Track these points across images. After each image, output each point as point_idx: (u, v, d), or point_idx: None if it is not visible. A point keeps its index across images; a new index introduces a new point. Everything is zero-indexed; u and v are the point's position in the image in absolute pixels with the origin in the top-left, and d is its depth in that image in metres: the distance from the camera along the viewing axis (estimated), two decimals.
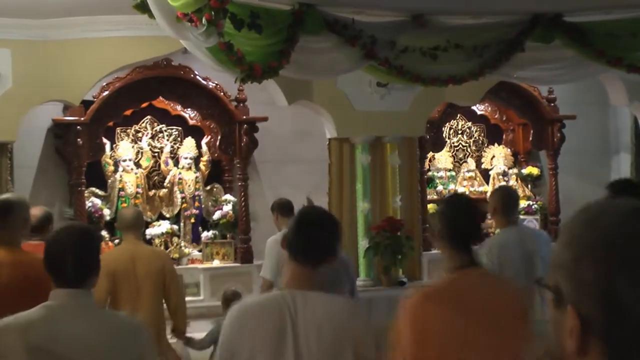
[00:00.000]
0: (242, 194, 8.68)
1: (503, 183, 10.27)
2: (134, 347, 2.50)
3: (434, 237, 2.58)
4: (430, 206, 9.54)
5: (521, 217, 10.15)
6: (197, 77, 8.50)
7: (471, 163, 10.40)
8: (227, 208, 8.79)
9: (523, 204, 10.21)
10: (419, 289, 2.68)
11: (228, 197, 8.91)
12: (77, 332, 2.41)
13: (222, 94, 8.59)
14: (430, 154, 9.91)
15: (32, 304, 2.54)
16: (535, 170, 10.37)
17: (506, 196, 4.75)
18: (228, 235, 8.79)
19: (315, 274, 2.53)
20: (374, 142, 8.27)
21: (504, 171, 10.33)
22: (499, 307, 2.59)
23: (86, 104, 7.91)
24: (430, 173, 9.99)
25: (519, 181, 10.39)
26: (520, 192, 10.27)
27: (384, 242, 8.04)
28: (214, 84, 8.56)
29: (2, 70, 7.18)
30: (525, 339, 2.58)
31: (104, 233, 8.20)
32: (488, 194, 10.21)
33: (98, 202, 8.32)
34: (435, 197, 9.88)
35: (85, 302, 2.49)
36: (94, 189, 8.44)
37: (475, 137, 10.55)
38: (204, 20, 4.75)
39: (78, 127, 7.89)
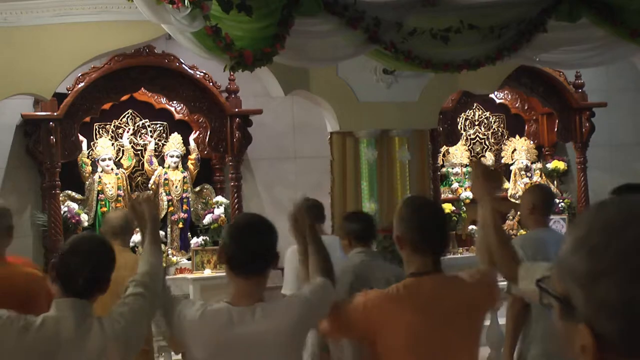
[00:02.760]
0: (235, 195, 8.67)
1: (526, 179, 10.24)
2: None
3: (398, 241, 3.14)
4: (445, 205, 9.51)
5: None
6: (183, 66, 8.50)
7: (490, 157, 10.36)
8: (219, 211, 8.78)
9: None
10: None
11: (219, 199, 8.91)
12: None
13: (211, 84, 8.58)
14: (443, 148, 9.89)
15: None
16: (561, 165, 10.33)
17: (548, 194, 4.82)
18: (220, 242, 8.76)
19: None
20: (381, 136, 8.24)
21: (527, 166, 10.30)
22: (453, 306, 2.85)
23: (59, 97, 7.89)
24: (444, 169, 9.98)
25: (544, 177, 10.34)
26: None
27: (393, 246, 7.99)
28: (202, 74, 8.55)
29: None
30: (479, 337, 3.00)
31: None
32: (511, 192, 10.22)
33: (75, 206, 8.31)
34: (450, 195, 9.86)
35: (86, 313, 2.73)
36: (69, 192, 8.43)
37: (494, 129, 10.52)
38: (186, 2, 4.73)
39: (50, 123, 7.87)
